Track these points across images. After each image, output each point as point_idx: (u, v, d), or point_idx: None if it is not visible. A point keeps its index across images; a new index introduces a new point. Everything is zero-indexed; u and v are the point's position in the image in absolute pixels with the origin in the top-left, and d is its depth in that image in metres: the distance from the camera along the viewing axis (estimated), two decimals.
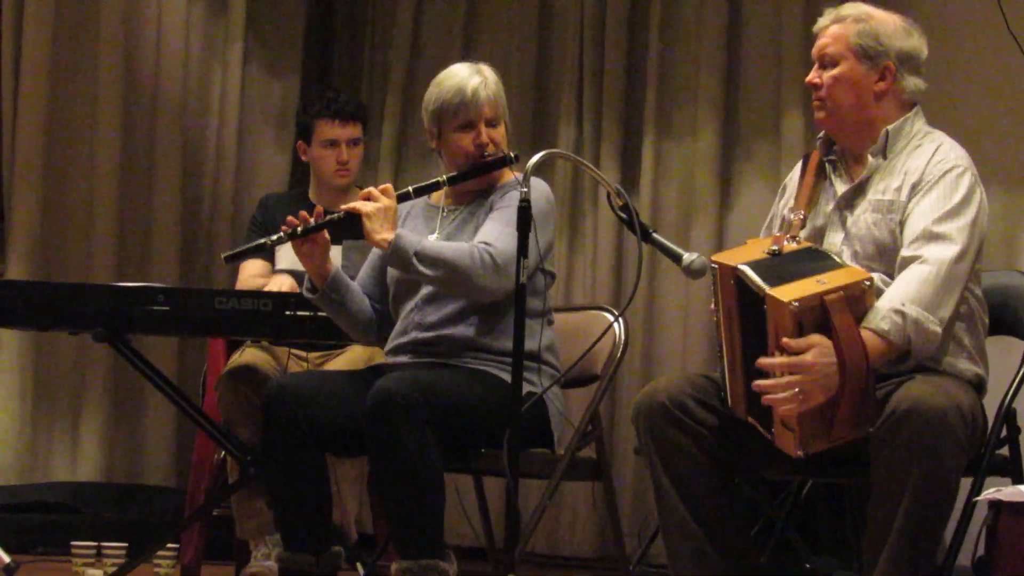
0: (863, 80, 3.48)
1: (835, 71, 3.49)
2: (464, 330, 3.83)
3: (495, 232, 3.79)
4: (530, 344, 3.77)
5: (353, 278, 3.99)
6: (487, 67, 3.97)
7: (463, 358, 3.82)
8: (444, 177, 3.88)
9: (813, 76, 3.52)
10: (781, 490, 4.72)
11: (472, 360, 3.82)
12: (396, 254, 3.72)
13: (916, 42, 3.51)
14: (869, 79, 3.48)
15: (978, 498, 3.35)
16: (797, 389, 3.14)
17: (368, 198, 3.77)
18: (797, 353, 3.15)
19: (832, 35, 3.50)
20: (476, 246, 3.74)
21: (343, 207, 3.80)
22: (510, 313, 3.76)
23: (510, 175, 3.97)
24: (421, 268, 3.72)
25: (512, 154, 3.90)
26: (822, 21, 3.55)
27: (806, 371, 3.14)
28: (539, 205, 3.76)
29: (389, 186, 3.84)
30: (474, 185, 3.95)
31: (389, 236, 3.72)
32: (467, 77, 3.91)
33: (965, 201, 3.36)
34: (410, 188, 3.87)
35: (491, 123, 3.91)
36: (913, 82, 3.51)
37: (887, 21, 3.51)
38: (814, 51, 3.54)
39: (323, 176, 4.86)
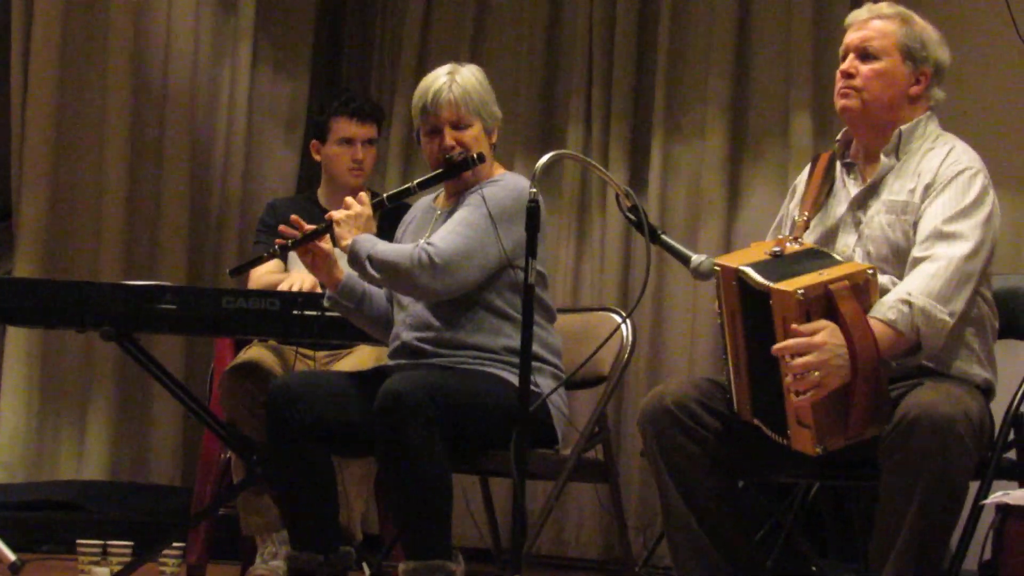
0: (903, 80, 3.48)
1: (878, 65, 3.47)
2: (443, 329, 3.82)
3: (442, 232, 3.79)
4: (490, 341, 3.78)
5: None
6: (467, 67, 3.92)
7: (452, 357, 3.81)
8: (415, 182, 3.88)
9: (848, 66, 3.49)
10: (787, 494, 4.71)
11: (467, 360, 3.80)
12: (352, 258, 3.74)
13: (948, 55, 3.53)
14: (908, 81, 3.49)
15: (985, 502, 3.35)
16: (813, 372, 3.11)
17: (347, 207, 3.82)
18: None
19: (877, 30, 3.49)
20: (418, 246, 3.74)
21: (326, 216, 3.83)
22: (481, 309, 3.78)
23: (499, 170, 3.95)
24: (371, 271, 3.74)
25: (475, 155, 3.83)
26: (860, 14, 3.54)
27: (819, 351, 3.12)
28: (503, 203, 3.77)
29: (363, 194, 3.87)
30: (459, 187, 3.93)
31: (350, 241, 3.74)
32: (433, 81, 3.89)
33: (977, 201, 3.36)
34: (383, 195, 3.88)
35: (456, 125, 3.87)
36: (938, 93, 3.53)
37: (929, 29, 3.52)
38: (852, 41, 3.51)
39: (336, 175, 4.84)
